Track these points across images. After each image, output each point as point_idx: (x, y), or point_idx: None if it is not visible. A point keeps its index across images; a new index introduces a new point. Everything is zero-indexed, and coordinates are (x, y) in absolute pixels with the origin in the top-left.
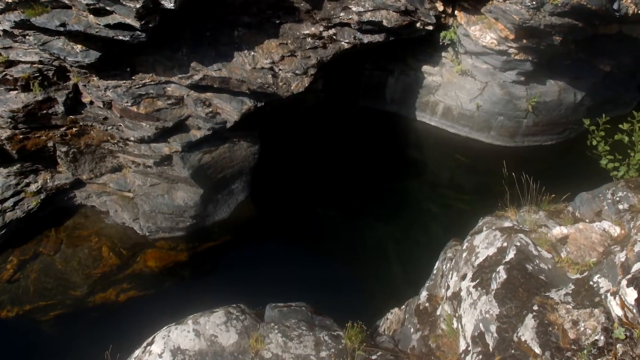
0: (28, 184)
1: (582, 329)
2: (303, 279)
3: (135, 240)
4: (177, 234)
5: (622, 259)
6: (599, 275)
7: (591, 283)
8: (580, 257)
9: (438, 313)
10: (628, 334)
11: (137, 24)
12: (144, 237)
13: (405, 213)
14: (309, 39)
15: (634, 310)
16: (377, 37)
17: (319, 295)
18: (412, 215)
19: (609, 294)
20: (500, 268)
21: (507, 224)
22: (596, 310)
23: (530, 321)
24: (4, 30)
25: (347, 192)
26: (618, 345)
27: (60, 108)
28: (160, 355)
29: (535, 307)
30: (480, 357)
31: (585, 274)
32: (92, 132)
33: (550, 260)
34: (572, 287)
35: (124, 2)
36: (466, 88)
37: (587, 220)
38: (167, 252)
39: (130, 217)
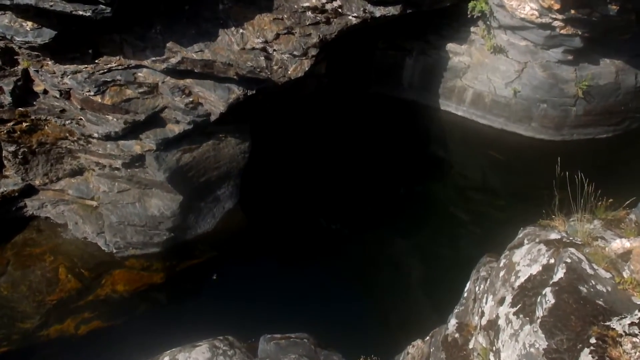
0: None
1: None
2: (304, 304)
3: (100, 259)
4: (151, 251)
5: None
6: None
7: None
8: None
9: (471, 346)
10: None
11: None
12: (111, 255)
13: (428, 223)
14: (309, 13)
15: None
16: (392, 10)
17: (325, 325)
18: (437, 225)
19: None
20: (547, 290)
21: (554, 235)
22: None
23: (587, 357)
24: None
25: (357, 198)
26: None
27: (7, 99)
28: None
29: (593, 340)
30: None
31: None
32: (46, 127)
33: (610, 281)
34: (639, 315)
35: None
36: (500, 70)
37: None
38: (139, 273)
39: (93, 230)
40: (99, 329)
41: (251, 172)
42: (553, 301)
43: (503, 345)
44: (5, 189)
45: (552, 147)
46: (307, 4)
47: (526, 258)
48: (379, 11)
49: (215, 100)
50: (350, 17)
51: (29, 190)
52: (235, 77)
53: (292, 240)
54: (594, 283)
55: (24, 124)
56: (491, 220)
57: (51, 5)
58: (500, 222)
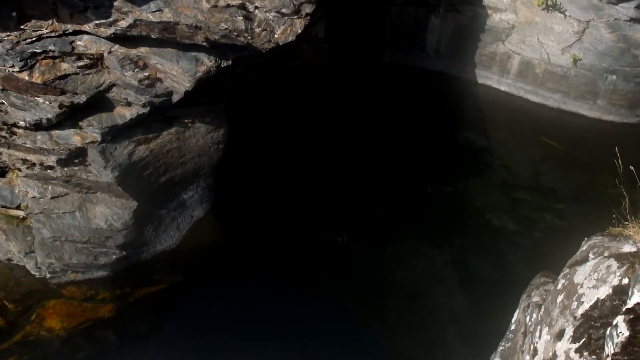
0: None
1: None
2: (299, 341)
3: (29, 287)
4: (96, 275)
5: None
6: None
7: None
8: None
9: None
10: None
11: None
12: (43, 282)
13: (463, 234)
14: None
15: None
16: None
17: None
18: (475, 237)
19: None
20: (619, 320)
21: (627, 247)
22: None
23: None
24: None
25: (370, 201)
26: None
27: None
28: None
29: None
30: None
31: None
32: None
33: None
34: None
35: None
36: (555, 31)
37: None
38: (81, 305)
39: (20, 249)
40: None
41: (228, 169)
42: (627, 334)
43: None
44: None
45: (624, 132)
46: None
47: (592, 278)
48: None
49: (178, 74)
50: None
51: None
52: (204, 43)
53: (282, 258)
54: None
55: None
56: (546, 229)
57: None
58: (557, 231)
